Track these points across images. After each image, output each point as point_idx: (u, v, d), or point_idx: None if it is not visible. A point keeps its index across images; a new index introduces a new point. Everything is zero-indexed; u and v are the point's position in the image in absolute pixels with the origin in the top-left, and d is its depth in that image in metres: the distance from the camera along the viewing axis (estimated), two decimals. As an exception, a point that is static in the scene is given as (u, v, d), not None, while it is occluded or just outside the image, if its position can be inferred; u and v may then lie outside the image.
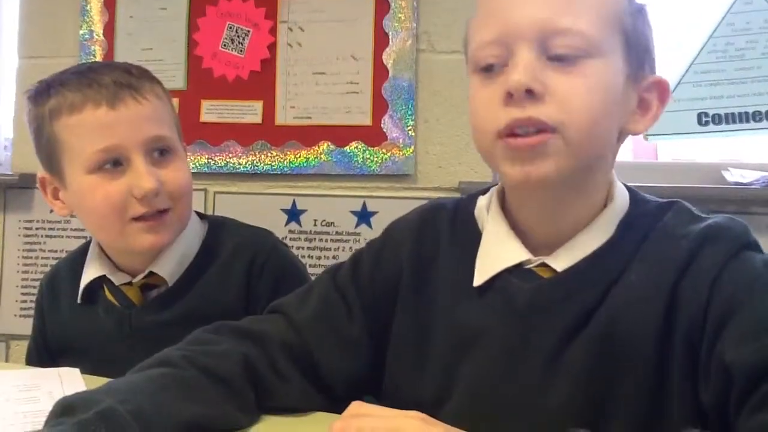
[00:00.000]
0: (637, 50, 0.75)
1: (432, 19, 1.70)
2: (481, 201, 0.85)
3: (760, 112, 1.52)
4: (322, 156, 1.75)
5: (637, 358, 0.71)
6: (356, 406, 0.66)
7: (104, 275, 1.06)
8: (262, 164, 1.77)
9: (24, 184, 1.89)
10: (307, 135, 1.75)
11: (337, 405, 0.77)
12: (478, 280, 0.78)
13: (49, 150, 1.01)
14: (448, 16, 1.69)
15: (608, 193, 0.78)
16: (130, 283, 1.06)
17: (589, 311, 0.73)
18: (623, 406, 0.71)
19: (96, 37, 1.87)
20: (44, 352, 1.15)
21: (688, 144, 1.64)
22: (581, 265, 0.75)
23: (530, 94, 0.70)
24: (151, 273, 1.05)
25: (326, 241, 1.74)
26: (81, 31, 1.88)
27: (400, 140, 1.70)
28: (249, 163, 1.78)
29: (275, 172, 1.76)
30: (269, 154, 1.77)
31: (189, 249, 1.07)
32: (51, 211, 1.88)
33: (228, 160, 1.79)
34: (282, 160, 1.76)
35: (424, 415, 0.65)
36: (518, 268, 0.77)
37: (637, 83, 0.76)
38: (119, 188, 0.97)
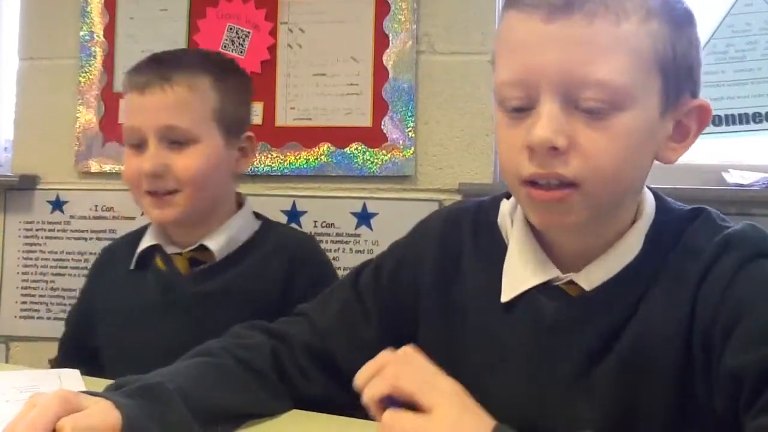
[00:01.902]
0: (677, 79, 0.71)
1: (432, 21, 1.70)
2: (504, 207, 0.83)
3: (760, 114, 1.52)
4: (322, 157, 1.75)
5: (661, 374, 0.71)
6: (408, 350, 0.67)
7: (158, 245, 1.17)
8: (262, 165, 1.77)
9: (24, 185, 1.89)
10: (308, 136, 1.75)
11: (359, 405, 0.78)
12: (506, 296, 0.77)
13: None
14: (448, 17, 1.69)
15: (638, 208, 0.77)
16: (180, 254, 1.16)
17: (615, 330, 0.73)
18: (649, 422, 0.71)
19: (96, 38, 1.87)
20: (85, 317, 1.24)
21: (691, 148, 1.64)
22: (609, 284, 0.74)
23: (554, 150, 0.67)
24: (201, 248, 1.15)
25: (326, 242, 1.74)
26: (81, 33, 1.88)
27: (401, 141, 1.70)
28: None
29: (275, 174, 1.76)
30: (269, 156, 1.77)
31: (239, 234, 1.17)
32: (52, 212, 1.88)
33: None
34: (282, 162, 1.76)
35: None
36: (546, 284, 0.76)
37: (675, 111, 0.72)
38: (135, 165, 1.10)
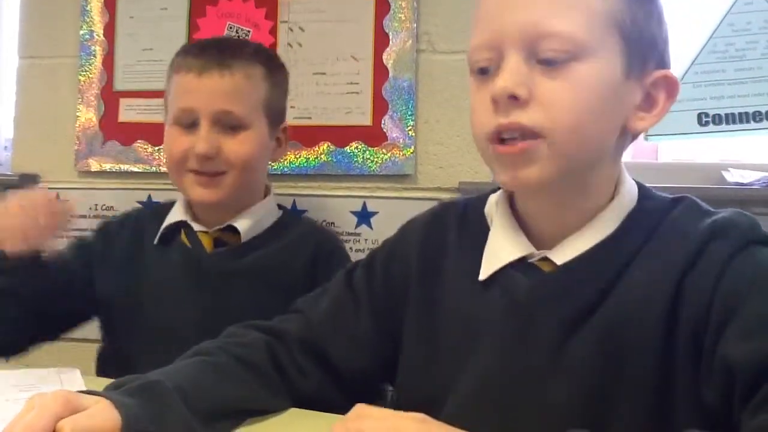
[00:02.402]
0: (639, 46, 0.73)
1: (432, 20, 1.70)
2: (492, 198, 0.86)
3: (760, 113, 1.52)
4: (322, 156, 1.75)
5: (640, 354, 0.71)
6: (359, 408, 0.67)
7: (185, 221, 1.20)
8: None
9: (24, 184, 1.89)
10: (307, 135, 1.75)
11: (354, 399, 0.79)
12: (483, 274, 0.79)
13: (165, 95, 1.24)
14: (449, 16, 1.69)
15: (615, 189, 0.78)
16: (206, 233, 1.20)
17: (590, 305, 0.73)
18: (627, 401, 0.71)
19: (96, 37, 1.87)
20: (86, 260, 1.25)
21: (688, 144, 1.64)
22: (581, 258, 0.75)
23: (515, 99, 0.70)
24: (228, 228, 1.18)
25: (326, 241, 1.74)
26: (81, 32, 1.88)
27: (401, 140, 1.70)
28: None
29: (275, 173, 1.76)
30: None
31: (264, 220, 1.22)
32: (51, 211, 1.88)
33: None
34: (282, 161, 1.76)
35: (423, 416, 0.66)
36: (521, 262, 0.78)
37: (640, 79, 0.74)
38: (185, 143, 1.14)
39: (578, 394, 0.72)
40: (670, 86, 0.77)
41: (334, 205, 1.75)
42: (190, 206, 1.22)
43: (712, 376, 0.68)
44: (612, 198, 0.78)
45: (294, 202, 1.75)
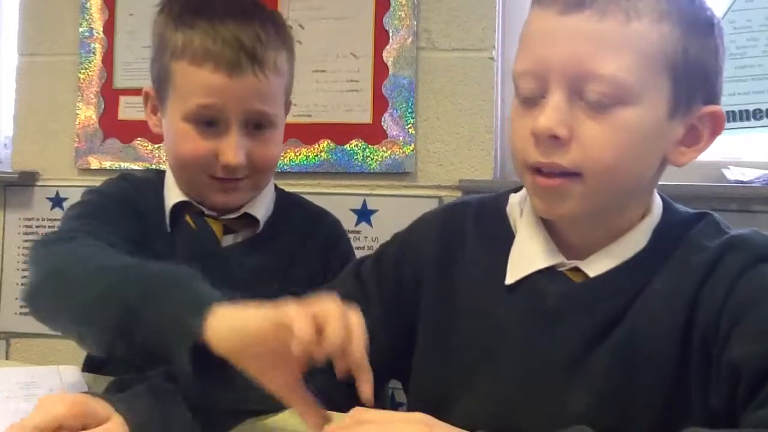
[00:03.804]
0: (689, 83, 0.71)
1: (432, 17, 1.69)
2: (514, 198, 0.85)
3: (760, 110, 1.52)
4: (322, 154, 1.74)
5: (658, 365, 0.72)
6: (357, 412, 0.65)
7: (188, 202, 1.06)
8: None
9: (24, 181, 1.89)
10: (307, 133, 1.75)
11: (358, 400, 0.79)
12: (510, 278, 0.79)
13: (162, 76, 1.04)
14: (449, 13, 1.68)
15: (646, 207, 0.79)
16: (215, 219, 1.06)
17: (615, 318, 0.74)
18: (644, 411, 0.72)
19: (96, 34, 1.87)
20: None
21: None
22: (613, 272, 0.75)
23: (555, 139, 0.69)
24: (243, 215, 1.07)
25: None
26: (81, 29, 1.87)
27: (401, 138, 1.69)
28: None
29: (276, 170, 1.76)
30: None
31: (270, 201, 1.12)
32: (51, 208, 1.88)
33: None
34: (282, 158, 1.75)
35: (427, 418, 0.63)
36: (550, 270, 0.78)
37: (686, 117, 0.73)
38: (208, 147, 0.99)
39: (596, 404, 0.73)
40: (716, 122, 0.75)
41: (333, 203, 1.73)
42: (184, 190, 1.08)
43: (720, 379, 0.68)
44: (643, 216, 0.78)
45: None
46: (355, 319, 0.62)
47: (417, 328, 0.85)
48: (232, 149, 0.98)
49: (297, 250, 1.10)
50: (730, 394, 0.67)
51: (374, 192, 1.73)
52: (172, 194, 1.08)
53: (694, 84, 0.72)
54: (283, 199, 1.16)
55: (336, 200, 1.73)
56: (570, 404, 0.73)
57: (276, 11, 1.15)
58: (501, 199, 0.86)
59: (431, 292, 0.84)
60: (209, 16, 1.01)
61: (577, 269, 0.77)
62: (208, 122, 0.99)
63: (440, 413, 0.78)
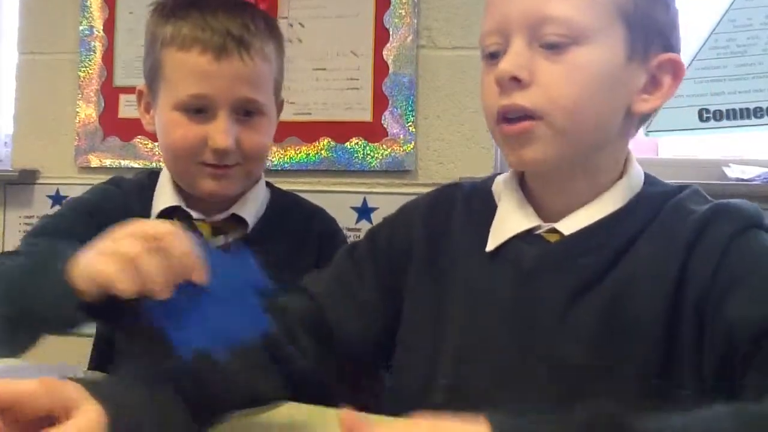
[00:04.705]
0: (643, 31, 0.76)
1: (433, 15, 1.69)
2: (499, 178, 0.88)
3: (761, 108, 1.52)
4: (322, 152, 1.74)
5: (645, 330, 0.72)
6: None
7: (178, 206, 1.07)
8: (262, 160, 1.76)
9: (24, 179, 1.89)
10: (307, 131, 1.75)
11: (352, 382, 0.79)
12: (490, 245, 0.81)
13: (153, 68, 1.06)
14: (449, 12, 1.68)
15: (623, 169, 0.80)
16: (203, 221, 1.07)
17: (595, 275, 0.75)
18: (631, 371, 0.72)
19: (96, 32, 1.87)
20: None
21: (689, 140, 1.64)
22: (587, 230, 0.77)
23: (517, 82, 0.73)
24: (232, 216, 1.07)
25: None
26: (81, 27, 1.88)
27: (401, 136, 1.70)
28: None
29: (275, 168, 1.76)
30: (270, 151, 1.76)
31: (262, 202, 1.12)
32: (52, 206, 1.88)
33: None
34: (282, 156, 1.76)
35: (429, 422, 0.56)
36: (528, 234, 0.80)
37: (644, 63, 0.77)
38: (198, 134, 1.00)
39: (582, 361, 0.74)
40: (676, 69, 0.78)
41: (334, 201, 1.74)
42: (179, 188, 1.09)
43: (715, 345, 0.69)
44: (620, 177, 0.80)
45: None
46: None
47: (404, 299, 0.85)
48: (221, 133, 0.99)
49: (291, 249, 1.10)
50: (725, 355, 0.68)
51: (374, 190, 1.73)
52: (162, 199, 1.09)
53: (649, 33, 0.76)
54: (278, 198, 1.16)
55: (336, 198, 1.73)
56: (557, 360, 0.74)
57: (267, 13, 1.17)
58: (489, 181, 0.89)
59: (420, 267, 0.86)
60: (200, 8, 1.03)
61: (554, 231, 0.79)
62: (198, 110, 1.01)
63: (427, 386, 0.79)
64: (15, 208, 1.92)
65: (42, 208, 1.90)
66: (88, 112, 1.87)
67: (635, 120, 0.80)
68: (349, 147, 1.73)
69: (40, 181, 1.91)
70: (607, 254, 0.75)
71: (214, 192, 1.04)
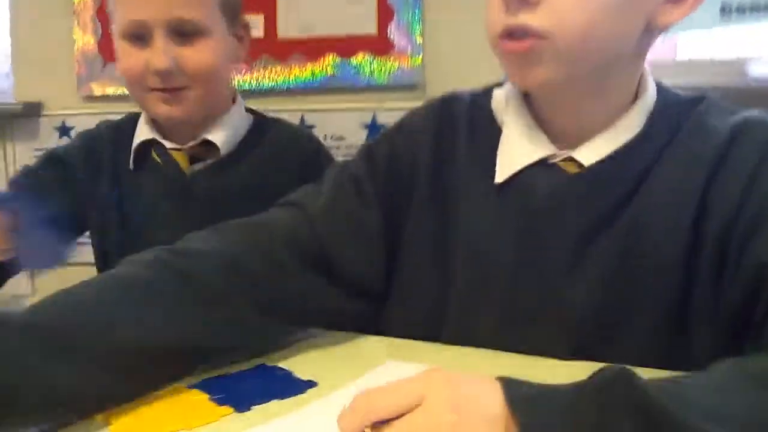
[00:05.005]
0: None
1: None
2: (498, 94, 0.80)
3: (785, 0, 1.44)
4: (328, 68, 1.70)
5: (663, 261, 0.68)
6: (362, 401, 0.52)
7: (153, 140, 1.10)
8: (267, 81, 1.72)
9: (29, 112, 1.87)
10: (312, 48, 1.70)
11: (350, 304, 0.76)
12: (500, 176, 0.74)
13: (109, 8, 1.11)
14: None
15: (639, 86, 0.74)
16: (179, 150, 1.10)
17: (614, 208, 0.70)
18: (648, 307, 0.69)
19: (87, -46, 1.80)
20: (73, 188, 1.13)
21: (709, 42, 1.57)
22: (609, 160, 0.71)
23: (524, 1, 0.66)
24: (203, 142, 1.08)
25: (337, 155, 1.71)
26: (71, -50, 1.81)
27: (408, 49, 1.64)
28: (253, 80, 1.73)
29: (281, 88, 1.72)
30: (274, 70, 1.72)
31: (239, 129, 1.11)
32: (60, 138, 1.87)
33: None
34: (287, 75, 1.71)
35: (442, 373, 0.53)
36: (542, 163, 0.73)
37: None
38: (138, 61, 1.03)
39: (597, 299, 0.70)
40: None
41: (343, 119, 1.71)
42: (155, 123, 1.12)
43: (739, 279, 0.65)
44: (636, 97, 0.73)
45: (302, 117, 1.72)
46: None
47: (405, 231, 0.79)
48: (157, 55, 1.01)
49: (270, 170, 1.10)
50: (752, 294, 0.63)
51: (384, 105, 1.69)
52: (140, 133, 1.11)
53: None
54: (259, 123, 1.16)
55: (345, 116, 1.70)
56: (568, 299, 0.70)
57: None
58: (487, 95, 0.81)
59: (424, 197, 0.79)
60: None
61: (570, 159, 0.73)
62: (138, 36, 1.03)
63: (433, 327, 0.76)
64: (23, 141, 1.91)
65: (50, 139, 1.88)
66: (86, 39, 1.82)
67: (654, 34, 0.73)
68: (355, 63, 1.68)
69: (45, 112, 1.88)
70: (628, 186, 0.70)
71: (169, 116, 1.06)
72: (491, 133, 0.78)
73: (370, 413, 0.49)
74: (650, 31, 0.71)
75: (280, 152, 1.12)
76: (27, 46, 1.88)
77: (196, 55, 1.03)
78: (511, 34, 0.68)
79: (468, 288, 0.76)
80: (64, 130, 1.87)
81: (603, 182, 0.71)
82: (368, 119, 1.70)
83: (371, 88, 1.68)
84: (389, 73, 1.66)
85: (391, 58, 1.65)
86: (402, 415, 0.49)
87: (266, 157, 1.11)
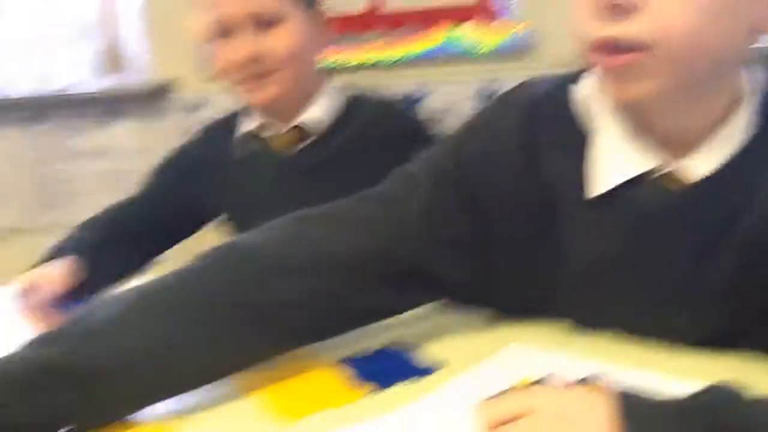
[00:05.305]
0: None
1: None
2: (583, 89, 0.73)
3: None
4: (434, 40, 1.67)
5: None
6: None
7: (255, 129, 1.18)
8: (371, 56, 1.72)
9: (161, 92, 1.97)
10: (417, 20, 1.67)
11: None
12: (597, 189, 0.69)
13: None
14: None
15: (740, 89, 0.68)
16: (277, 136, 1.16)
17: (728, 221, 0.66)
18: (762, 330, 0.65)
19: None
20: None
21: None
22: (718, 173, 0.66)
23: (619, 7, 0.60)
24: (298, 127, 1.15)
25: (448, 128, 1.69)
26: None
27: (513, 16, 1.57)
28: (359, 55, 1.74)
29: (387, 62, 1.71)
30: (378, 44, 1.72)
31: (331, 109, 1.16)
32: (188, 115, 1.96)
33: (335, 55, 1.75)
34: (393, 49, 1.69)
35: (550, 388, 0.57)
36: (641, 176, 0.68)
37: None
38: (224, 56, 1.11)
39: (709, 319, 0.67)
40: None
41: (452, 90, 1.67)
42: (256, 113, 1.19)
43: None
44: (740, 98, 0.67)
45: (411, 90, 1.70)
46: None
47: (493, 234, 0.74)
48: (234, 49, 1.09)
49: (364, 146, 1.13)
50: None
51: (494, 75, 1.63)
52: (243, 126, 1.18)
53: None
54: (352, 100, 1.19)
55: (454, 87, 1.67)
56: (677, 330, 0.67)
57: None
58: (563, 89, 0.74)
59: (512, 212, 0.73)
60: None
61: (671, 173, 0.67)
62: (224, 34, 1.10)
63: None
64: (154, 121, 2.03)
65: (182, 120, 1.97)
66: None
67: (758, 38, 0.65)
68: (460, 33, 1.63)
69: (177, 93, 1.99)
70: (741, 196, 0.65)
71: (259, 101, 1.12)
72: (577, 135, 0.71)
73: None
74: (754, 35, 0.64)
75: (375, 133, 1.15)
76: (162, 27, 1.98)
77: (275, 41, 1.09)
78: (608, 47, 0.62)
79: (573, 305, 0.73)
80: (191, 109, 1.97)
81: (714, 195, 0.66)
82: (479, 88, 1.65)
83: (480, 57, 1.63)
84: (496, 41, 1.59)
85: (497, 26, 1.59)
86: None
87: (359, 135, 1.14)
